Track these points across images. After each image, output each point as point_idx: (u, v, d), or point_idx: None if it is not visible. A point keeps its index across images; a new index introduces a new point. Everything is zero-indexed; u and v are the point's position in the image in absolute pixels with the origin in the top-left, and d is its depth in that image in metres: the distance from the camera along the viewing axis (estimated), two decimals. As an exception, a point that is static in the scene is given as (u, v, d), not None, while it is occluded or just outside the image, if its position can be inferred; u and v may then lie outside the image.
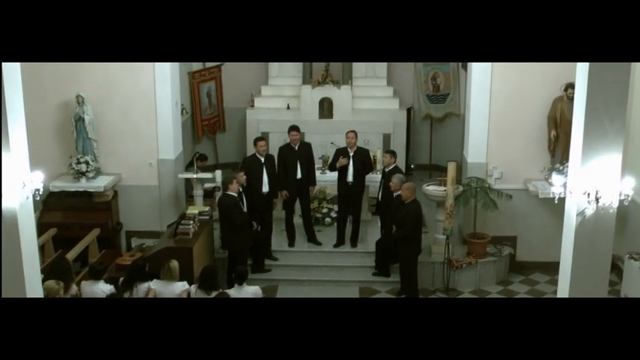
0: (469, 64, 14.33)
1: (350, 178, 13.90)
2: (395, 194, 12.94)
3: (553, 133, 13.50)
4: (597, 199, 7.79)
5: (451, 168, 13.13)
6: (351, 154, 13.89)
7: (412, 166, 18.26)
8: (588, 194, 7.79)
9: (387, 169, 13.64)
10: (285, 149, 14.07)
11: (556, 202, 8.61)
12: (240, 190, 12.94)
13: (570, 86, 12.36)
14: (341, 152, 14.04)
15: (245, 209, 12.96)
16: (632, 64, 8.07)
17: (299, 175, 13.94)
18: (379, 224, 14.14)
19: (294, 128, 14.00)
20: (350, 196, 14.06)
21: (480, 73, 13.76)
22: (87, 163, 13.95)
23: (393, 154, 13.88)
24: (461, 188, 13.67)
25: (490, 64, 13.57)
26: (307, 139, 15.02)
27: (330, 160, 14.41)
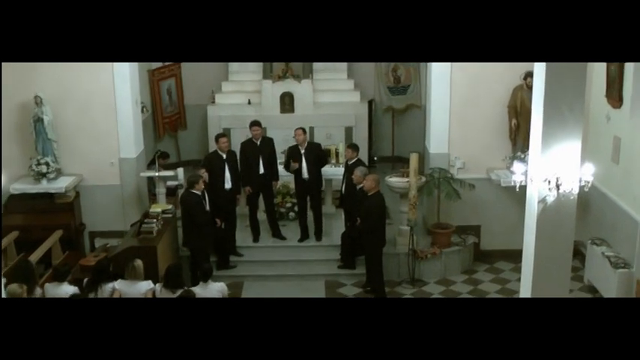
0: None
1: (305, 174, 13.92)
2: (358, 187, 12.96)
3: (514, 121, 13.61)
4: (558, 186, 7.86)
5: (413, 159, 13.17)
6: (302, 150, 13.90)
7: (375, 159, 18.28)
8: (549, 181, 7.85)
9: (349, 163, 13.66)
10: (247, 145, 14.04)
11: (517, 190, 8.67)
12: (203, 187, 12.89)
13: (529, 75, 12.42)
14: (292, 150, 14.06)
15: (208, 206, 12.91)
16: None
17: (262, 171, 13.93)
18: (343, 217, 14.15)
19: (255, 123, 13.97)
20: (307, 191, 14.07)
21: (440, 65, 13.83)
22: (47, 164, 13.80)
23: (355, 147, 13.91)
24: (424, 179, 13.72)
25: (449, 55, 13.63)
26: (269, 134, 14.99)
27: (284, 160, 14.39)
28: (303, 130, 14.03)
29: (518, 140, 13.55)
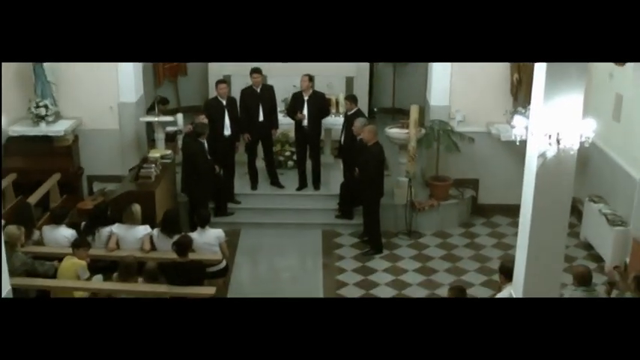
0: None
1: (305, 122, 13.88)
2: (358, 138, 12.93)
3: (515, 76, 13.55)
4: (558, 141, 7.82)
5: (414, 111, 13.13)
6: (306, 98, 13.84)
7: (375, 110, 18.21)
8: (549, 136, 7.81)
9: (348, 113, 13.61)
10: (247, 92, 13.98)
11: (517, 144, 8.62)
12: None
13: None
14: (297, 96, 14.00)
15: (207, 154, 12.90)
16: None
17: (261, 118, 13.88)
18: (342, 167, 14.14)
19: (256, 71, 13.89)
20: (307, 140, 14.04)
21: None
22: (46, 107, 13.75)
23: (354, 99, 13.85)
24: (423, 131, 13.69)
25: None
26: (270, 82, 14.88)
27: (286, 107, 14.34)
28: (310, 77, 13.92)
29: (520, 95, 13.50)
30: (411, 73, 18.26)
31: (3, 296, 8.62)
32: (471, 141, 13.70)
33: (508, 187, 13.28)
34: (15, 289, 9.32)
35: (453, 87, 14.04)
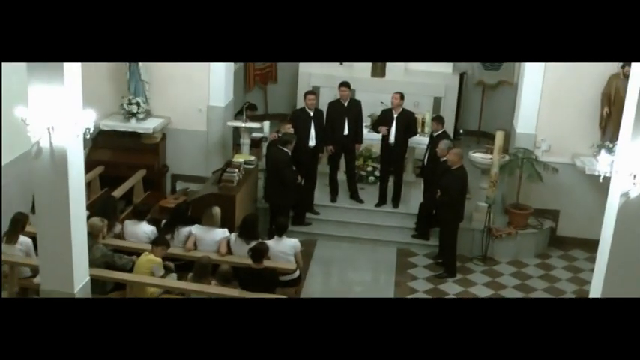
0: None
1: (392, 139, 13.88)
2: (441, 159, 12.89)
3: (606, 110, 13.32)
4: (643, 182, 7.72)
5: (499, 137, 13.06)
6: (395, 115, 13.84)
7: (461, 131, 18.10)
8: (634, 176, 7.71)
9: (434, 134, 13.60)
10: (334, 104, 14.08)
11: (601, 181, 8.54)
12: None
13: (627, 64, 12.17)
14: (386, 113, 14.02)
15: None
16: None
17: (346, 132, 13.95)
18: (422, 187, 14.11)
19: (344, 84, 13.99)
20: (391, 157, 14.05)
21: (537, 44, 13.60)
22: (138, 104, 14.11)
23: (441, 120, 13.80)
24: (507, 158, 13.59)
25: (548, 34, 13.41)
26: (357, 97, 14.97)
27: (374, 121, 14.40)
28: (401, 95, 13.92)
29: (608, 129, 13.27)
30: (499, 96, 18.11)
31: (81, 286, 8.92)
32: (555, 171, 13.53)
33: (589, 221, 13.08)
34: (93, 279, 9.61)
35: (541, 115, 13.87)
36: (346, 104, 13.96)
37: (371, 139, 14.50)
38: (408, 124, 13.99)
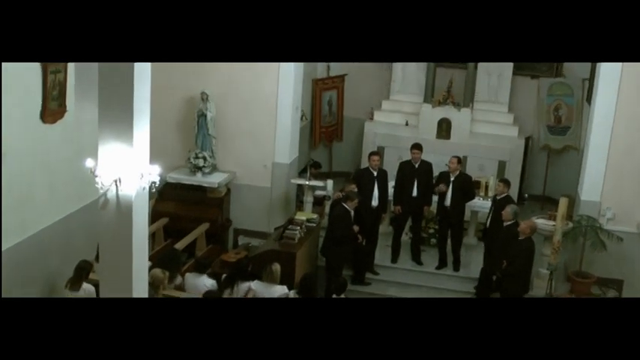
0: (593, 97, 14.04)
1: (447, 202, 13.85)
2: (505, 224, 12.75)
3: (672, 178, 13.16)
4: None
5: (562, 204, 12.92)
6: (452, 178, 13.82)
7: (525, 196, 17.95)
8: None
9: (498, 197, 13.51)
10: (405, 165, 14.12)
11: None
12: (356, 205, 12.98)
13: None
14: (443, 176, 14.03)
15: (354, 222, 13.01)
16: None
17: (414, 193, 13.95)
18: (483, 251, 13.98)
19: (416, 146, 14.02)
20: (448, 219, 14.01)
21: (604, 109, 13.50)
22: (204, 158, 14.31)
23: (507, 183, 13.68)
24: (570, 225, 13.42)
25: (615, 99, 13.31)
26: (422, 158, 14.99)
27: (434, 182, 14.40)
28: (459, 159, 13.99)
29: (675, 199, 13.09)
30: (564, 162, 17.95)
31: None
32: (619, 240, 13.31)
33: (654, 292, 12.84)
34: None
35: (606, 182, 13.70)
36: (417, 166, 13.97)
37: (434, 201, 14.47)
38: (465, 187, 13.95)
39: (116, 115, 7.95)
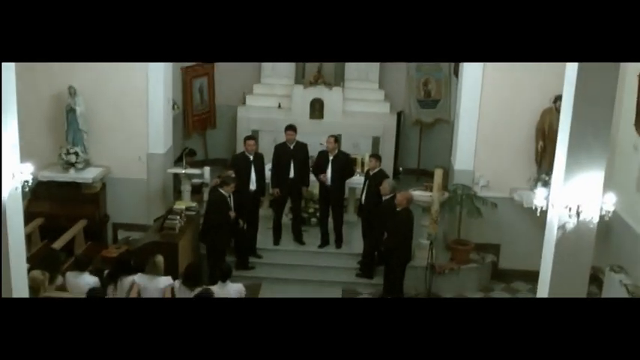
0: (460, 71, 14.43)
1: (329, 181, 14.00)
2: (384, 198, 13.00)
3: (540, 144, 13.60)
4: (578, 214, 7.90)
5: (438, 174, 13.24)
6: (331, 157, 13.98)
7: (401, 170, 18.27)
8: (569, 208, 7.89)
9: (371, 172, 13.73)
10: (280, 148, 14.18)
11: (538, 214, 8.72)
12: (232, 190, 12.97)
13: (559, 98, 12.30)
14: (323, 155, 14.17)
15: (232, 207, 13.01)
16: (620, 80, 8.20)
17: (292, 175, 14.03)
18: (361, 226, 14.21)
19: (290, 127, 14.10)
20: (329, 198, 14.17)
21: (471, 81, 13.90)
22: (76, 154, 14.03)
23: (378, 157, 13.96)
24: (447, 195, 13.76)
25: (481, 71, 13.71)
26: (297, 139, 15.08)
27: (313, 163, 14.48)
28: (336, 138, 14.12)
29: (544, 163, 13.52)
30: (436, 135, 18.39)
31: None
32: (494, 206, 13.73)
33: (529, 254, 13.17)
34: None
35: (478, 151, 14.14)
36: (292, 147, 14.04)
37: (312, 180, 14.58)
38: (344, 165, 14.12)
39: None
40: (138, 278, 11.09)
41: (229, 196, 12.92)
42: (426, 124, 18.57)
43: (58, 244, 12.96)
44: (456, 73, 16.13)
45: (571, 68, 7.92)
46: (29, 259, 10.64)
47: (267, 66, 18.10)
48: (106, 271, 11.49)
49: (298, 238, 14.51)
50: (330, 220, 14.40)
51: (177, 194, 15.09)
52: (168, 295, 11.00)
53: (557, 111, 12.62)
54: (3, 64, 7.56)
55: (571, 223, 7.97)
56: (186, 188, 14.65)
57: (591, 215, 7.95)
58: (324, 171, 13.97)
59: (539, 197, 8.75)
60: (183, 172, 14.59)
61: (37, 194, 14.18)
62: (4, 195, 8.08)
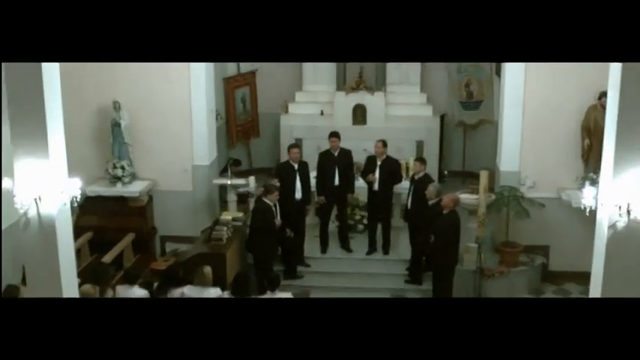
0: (502, 70, 14.30)
1: (376, 186, 13.92)
2: (430, 202, 12.90)
3: (586, 142, 13.43)
4: (629, 212, 7.77)
5: (483, 176, 13.13)
6: (379, 162, 13.90)
7: (446, 173, 18.16)
8: (619, 207, 7.76)
9: (416, 177, 13.65)
10: (324, 155, 14.16)
11: (587, 214, 8.60)
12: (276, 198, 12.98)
13: (604, 95, 12.18)
14: (371, 160, 14.09)
15: (279, 216, 13.02)
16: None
17: (336, 182, 13.99)
18: (408, 231, 14.10)
19: (334, 134, 14.07)
20: (377, 204, 14.08)
21: (513, 80, 13.76)
22: (123, 168, 14.14)
23: (423, 161, 13.85)
24: (493, 197, 13.64)
25: (524, 70, 13.57)
26: (340, 145, 15.04)
27: (362, 168, 14.41)
28: (384, 142, 14.01)
29: (591, 161, 13.35)
30: (481, 136, 18.25)
31: None
32: (542, 207, 13.59)
33: (580, 254, 13.00)
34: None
35: (523, 152, 13.99)
36: (336, 154, 14.02)
37: (357, 187, 14.53)
38: (392, 171, 14.03)
39: (29, 129, 7.81)
40: (187, 290, 11.16)
41: (274, 205, 12.91)
42: (469, 126, 18.45)
43: (107, 258, 13.08)
44: (498, 72, 15.98)
45: (615, 67, 7.79)
46: (79, 274, 10.70)
47: (308, 73, 18.12)
48: (155, 284, 11.57)
49: (345, 246, 14.46)
50: (378, 226, 14.33)
51: (224, 205, 15.12)
52: (217, 305, 11.04)
53: (603, 107, 12.49)
54: (45, 75, 7.65)
55: (621, 222, 7.82)
56: (232, 198, 14.67)
57: (642, 213, 7.81)
58: (373, 174, 13.89)
59: (587, 196, 8.64)
60: (229, 182, 14.62)
61: (86, 209, 14.30)
62: (54, 211, 8.17)
